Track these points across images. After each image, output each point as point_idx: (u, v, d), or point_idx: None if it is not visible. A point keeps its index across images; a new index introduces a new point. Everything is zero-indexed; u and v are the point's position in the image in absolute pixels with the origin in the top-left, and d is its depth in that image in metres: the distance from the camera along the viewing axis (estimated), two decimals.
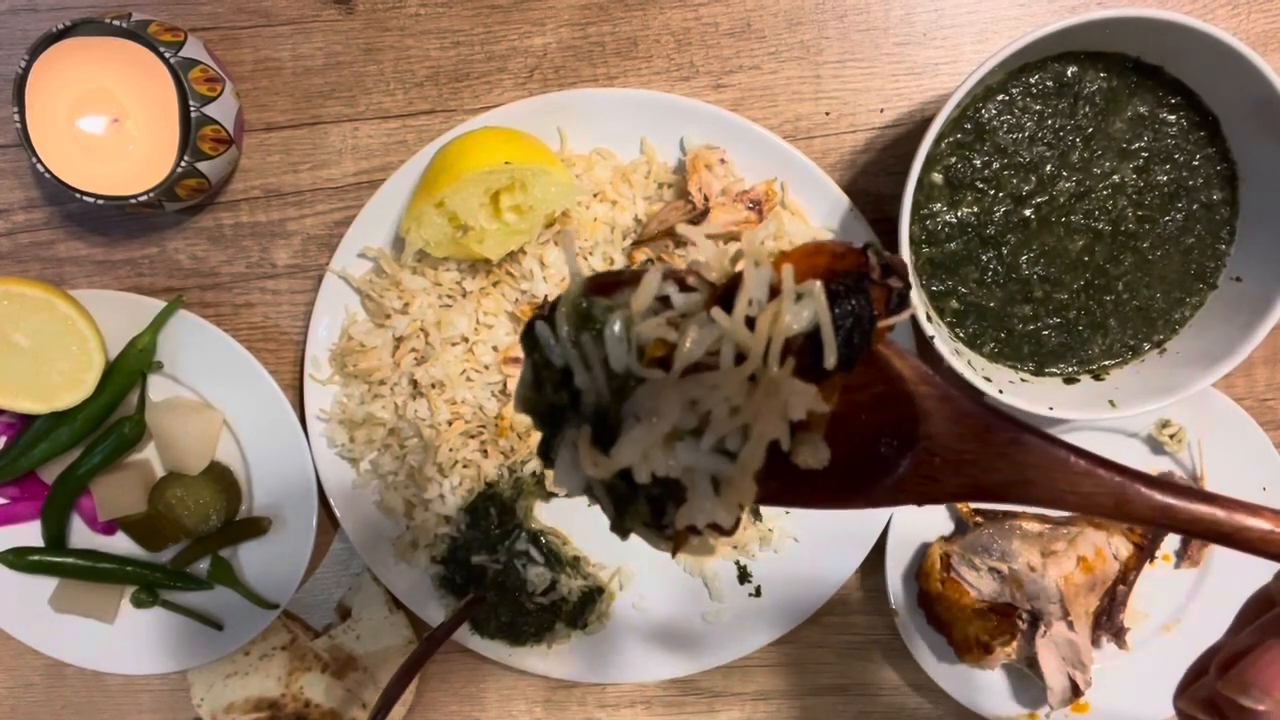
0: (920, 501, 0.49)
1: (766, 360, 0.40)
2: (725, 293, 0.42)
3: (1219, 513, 0.45)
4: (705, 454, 0.41)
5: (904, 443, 0.48)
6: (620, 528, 0.45)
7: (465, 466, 0.94)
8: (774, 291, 0.41)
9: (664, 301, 0.43)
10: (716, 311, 0.41)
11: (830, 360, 0.40)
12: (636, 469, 0.41)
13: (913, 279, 0.81)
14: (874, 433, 0.48)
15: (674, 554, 0.45)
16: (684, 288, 0.43)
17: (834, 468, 0.43)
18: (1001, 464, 0.47)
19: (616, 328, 0.42)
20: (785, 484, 0.44)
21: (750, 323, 0.40)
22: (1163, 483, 0.46)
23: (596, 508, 0.46)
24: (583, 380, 0.43)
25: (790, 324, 0.40)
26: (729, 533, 0.43)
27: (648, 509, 0.44)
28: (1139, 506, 0.46)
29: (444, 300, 0.92)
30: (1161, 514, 0.46)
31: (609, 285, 0.45)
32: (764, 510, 0.97)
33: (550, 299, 0.46)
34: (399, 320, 0.91)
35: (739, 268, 0.42)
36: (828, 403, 0.41)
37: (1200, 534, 0.46)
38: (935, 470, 0.48)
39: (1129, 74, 0.82)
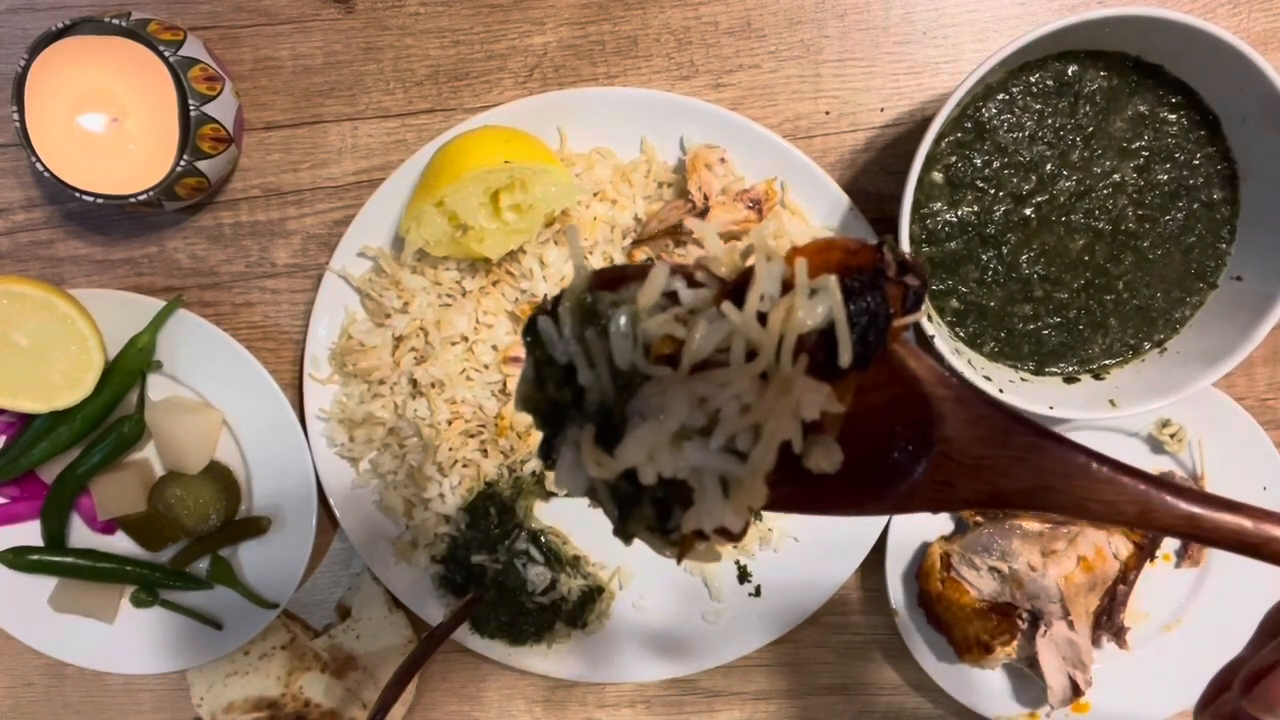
0: (935, 509, 0.47)
1: (779, 357, 0.39)
2: (735, 288, 0.40)
3: (1246, 522, 0.43)
4: (714, 454, 0.39)
5: (919, 446, 0.46)
6: (624, 532, 0.43)
7: (465, 466, 0.94)
8: (786, 287, 0.39)
9: (671, 297, 0.41)
10: (727, 306, 0.39)
11: (845, 358, 0.39)
12: (642, 469, 0.40)
13: None
14: (888, 436, 0.46)
15: (679, 560, 0.43)
16: (692, 283, 0.42)
17: (846, 472, 0.41)
18: (1021, 469, 0.45)
19: (622, 323, 0.41)
20: (796, 488, 0.43)
21: (762, 319, 0.39)
22: (1188, 491, 0.44)
23: (598, 508, 0.44)
24: (586, 377, 0.42)
25: (804, 320, 0.38)
26: (737, 538, 0.41)
27: (653, 512, 0.42)
28: (1164, 516, 0.44)
29: (444, 300, 0.92)
30: (1186, 523, 0.44)
31: (614, 280, 0.43)
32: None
33: (554, 294, 0.44)
34: (399, 319, 0.91)
35: (749, 263, 0.40)
36: (842, 403, 0.40)
37: (1225, 545, 0.44)
38: (952, 475, 0.46)
39: (1129, 73, 0.82)
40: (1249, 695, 0.44)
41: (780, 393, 0.39)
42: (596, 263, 0.91)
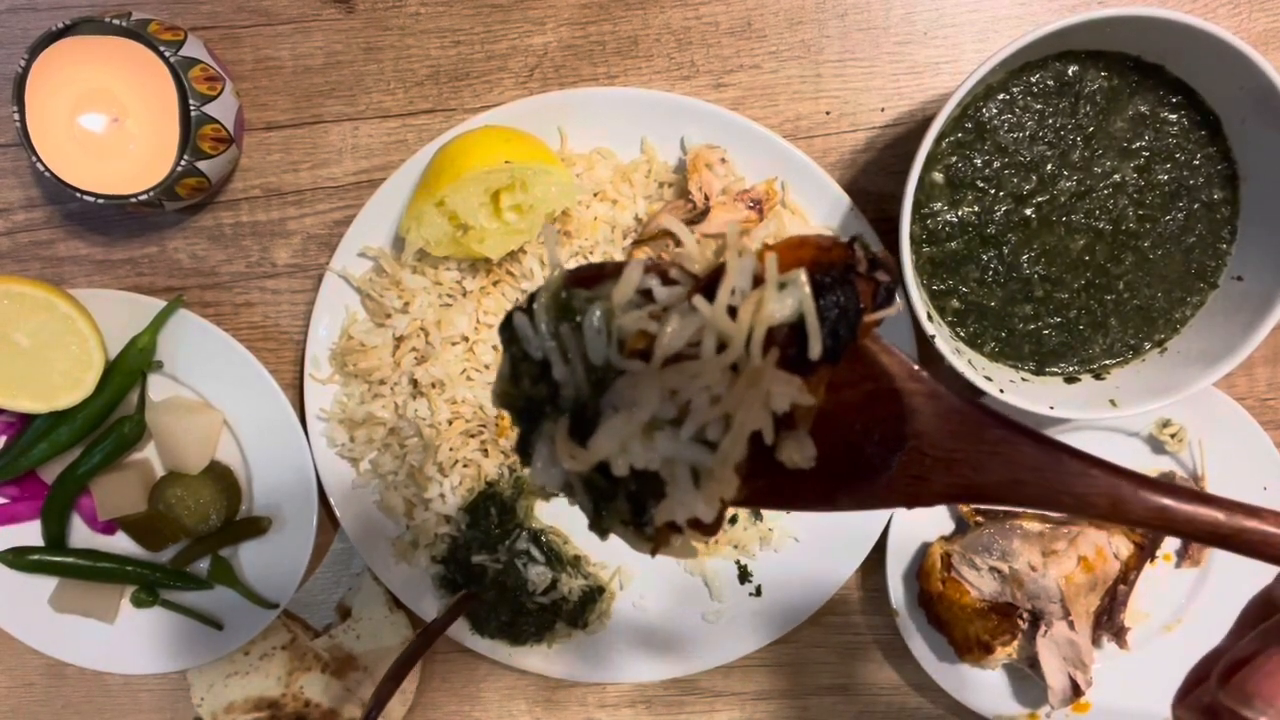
0: (910, 504, 0.48)
1: (749, 350, 0.39)
2: (708, 283, 0.40)
3: (1218, 514, 0.44)
4: (685, 444, 0.40)
5: (893, 442, 0.46)
6: (599, 527, 0.44)
7: (465, 466, 0.94)
8: (758, 282, 0.40)
9: (646, 294, 0.42)
10: (698, 300, 0.39)
11: (815, 350, 0.39)
12: (614, 460, 0.40)
13: (913, 278, 0.80)
14: (862, 432, 0.47)
15: (653, 554, 0.43)
16: (666, 280, 0.42)
17: (821, 468, 0.41)
18: (993, 463, 0.46)
19: (596, 318, 0.41)
20: (772, 483, 0.43)
21: (733, 313, 0.39)
22: (1159, 484, 0.45)
23: (576, 504, 0.44)
24: (561, 372, 0.42)
25: (773, 312, 0.39)
26: (711, 530, 0.41)
27: (627, 506, 0.42)
28: (1135, 508, 0.45)
29: (444, 299, 0.92)
30: (1158, 515, 0.44)
31: (591, 278, 0.44)
32: (765, 510, 0.97)
33: (531, 292, 0.45)
34: (399, 320, 0.91)
35: (723, 259, 0.41)
36: (813, 396, 0.40)
37: (1198, 536, 0.45)
38: (925, 470, 0.46)
39: (1130, 73, 0.82)
40: (1225, 687, 0.44)
41: (750, 384, 0.39)
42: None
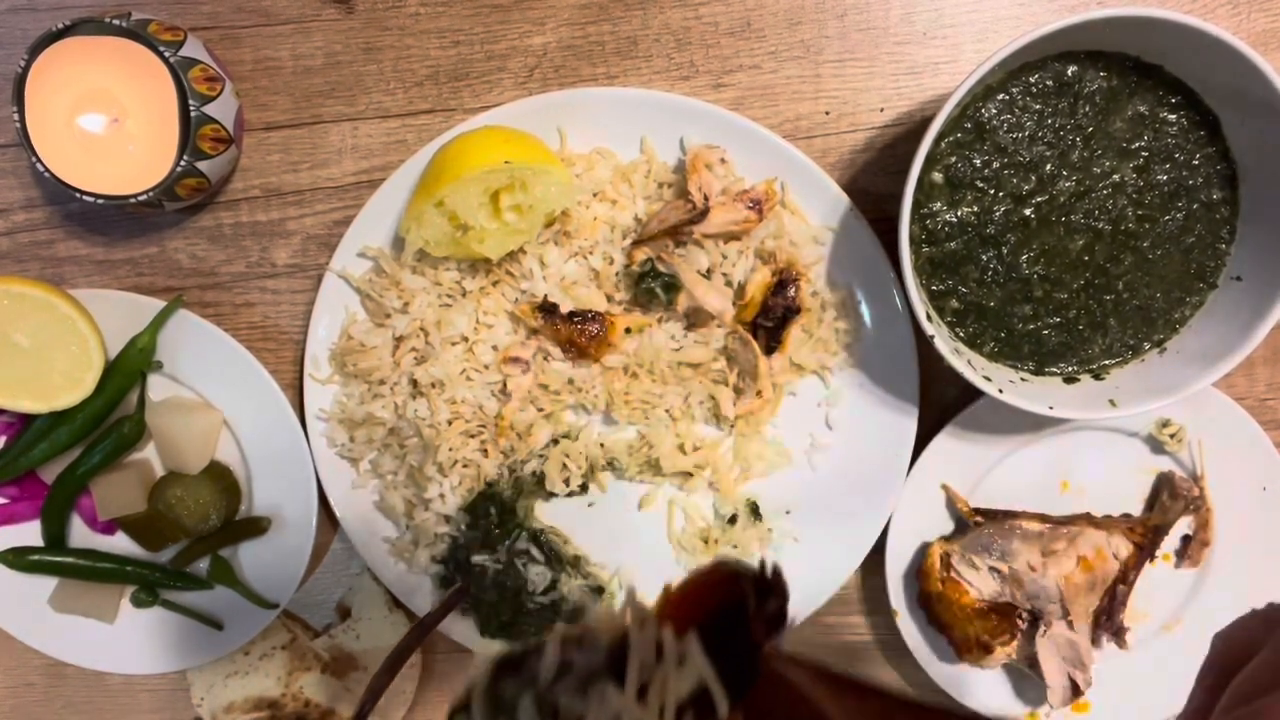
0: None
1: None
2: (618, 652, 0.47)
3: None
4: None
5: None
6: None
7: (465, 466, 0.94)
8: (660, 648, 0.47)
9: (568, 665, 0.48)
10: (611, 690, 0.46)
11: (722, 711, 0.45)
12: None
13: (913, 278, 0.80)
14: None
15: None
16: (582, 646, 0.48)
17: None
18: None
19: (527, 708, 0.47)
20: None
21: (644, 690, 0.45)
22: None
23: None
24: None
25: (679, 690, 0.45)
26: None
27: None
28: None
29: (444, 300, 0.92)
30: None
31: (515, 663, 0.50)
32: (764, 510, 0.97)
33: (465, 690, 0.51)
34: (399, 320, 0.91)
35: (627, 621, 0.48)
36: None
37: None
38: None
39: (1129, 73, 0.82)
40: None
41: None
42: (597, 263, 0.91)
